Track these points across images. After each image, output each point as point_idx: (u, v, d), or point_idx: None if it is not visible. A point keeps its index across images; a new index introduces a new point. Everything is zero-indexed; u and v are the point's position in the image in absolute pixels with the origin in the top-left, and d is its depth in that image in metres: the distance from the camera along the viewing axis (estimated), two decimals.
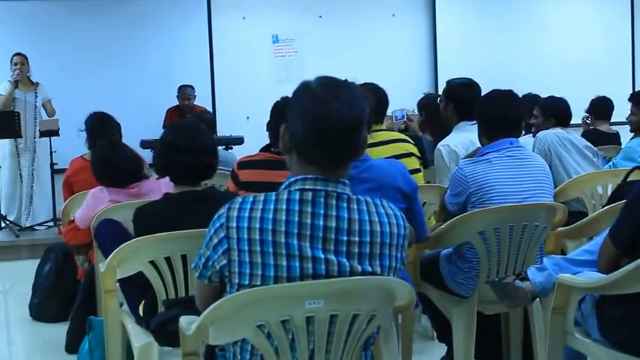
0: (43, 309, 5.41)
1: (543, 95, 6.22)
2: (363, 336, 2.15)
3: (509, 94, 3.76)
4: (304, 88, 2.14)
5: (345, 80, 2.18)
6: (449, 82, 4.82)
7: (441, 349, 4.10)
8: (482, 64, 9.67)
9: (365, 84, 4.26)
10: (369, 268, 2.10)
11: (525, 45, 10.49)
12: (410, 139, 4.54)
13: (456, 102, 4.66)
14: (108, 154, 4.48)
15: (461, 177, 3.58)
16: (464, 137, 4.56)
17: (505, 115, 3.70)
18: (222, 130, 8.79)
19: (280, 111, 3.97)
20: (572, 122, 5.69)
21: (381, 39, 10.24)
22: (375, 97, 4.14)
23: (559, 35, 10.59)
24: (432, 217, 4.35)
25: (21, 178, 8.52)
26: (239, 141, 8.37)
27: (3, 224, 8.30)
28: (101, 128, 5.44)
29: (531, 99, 6.15)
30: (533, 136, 5.56)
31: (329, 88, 2.10)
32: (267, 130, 4.12)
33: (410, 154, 4.36)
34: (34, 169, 8.55)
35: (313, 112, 2.08)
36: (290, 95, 4.05)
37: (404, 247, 2.19)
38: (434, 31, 10.50)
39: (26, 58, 8.54)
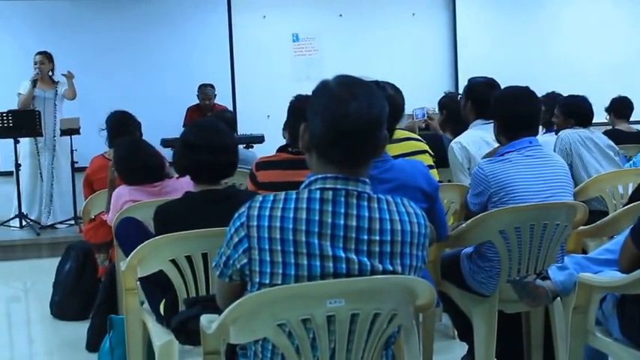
0: (63, 307, 5.44)
1: (565, 94, 6.18)
2: (384, 335, 2.14)
3: (527, 91, 3.73)
4: (323, 87, 2.14)
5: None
6: (470, 80, 4.83)
7: (462, 347, 4.09)
8: (503, 62, 9.64)
9: (379, 82, 4.25)
10: (390, 267, 2.09)
11: (546, 43, 10.43)
12: (421, 138, 4.53)
13: (475, 100, 4.67)
14: (131, 152, 4.50)
15: (482, 176, 3.57)
16: (477, 135, 4.59)
17: (525, 113, 3.68)
18: (243, 128, 8.80)
19: (295, 110, 3.98)
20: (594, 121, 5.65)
21: (401, 38, 10.22)
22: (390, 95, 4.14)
23: (581, 33, 10.50)
24: (451, 216, 4.34)
25: (41, 176, 8.58)
26: (259, 139, 8.38)
27: (24, 223, 8.35)
28: (121, 127, 5.48)
29: (552, 98, 6.12)
30: (556, 134, 5.53)
31: (348, 87, 2.10)
32: (284, 129, 4.13)
33: (423, 152, 4.35)
34: (53, 167, 8.61)
35: (332, 112, 2.07)
36: (307, 94, 4.07)
37: (425, 246, 2.18)
38: (454, 30, 10.47)
39: (48, 56, 8.59)
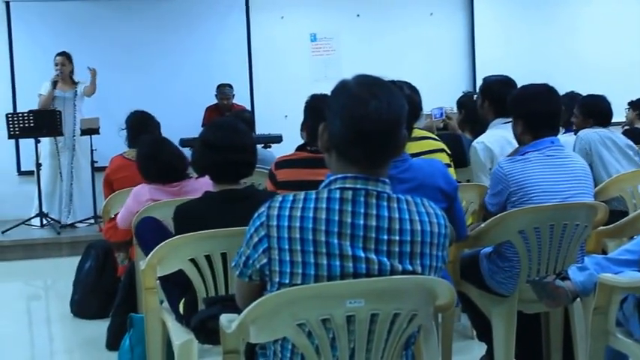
0: (83, 305, 5.47)
1: (584, 94, 6.15)
2: (403, 335, 2.14)
3: (549, 88, 3.68)
4: (342, 87, 2.13)
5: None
6: (485, 79, 4.81)
7: (481, 348, 4.08)
8: (521, 61, 9.61)
9: (397, 82, 4.25)
10: (410, 268, 2.09)
11: (565, 42, 10.38)
12: (438, 137, 4.53)
13: (492, 99, 4.64)
14: (155, 150, 4.50)
15: (501, 175, 3.55)
16: (499, 135, 4.55)
17: (548, 111, 3.64)
18: (261, 128, 8.82)
19: (311, 109, 4.00)
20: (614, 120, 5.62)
21: (418, 37, 10.21)
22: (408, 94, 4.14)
23: (599, 33, 10.46)
24: (470, 216, 4.33)
25: (61, 176, 8.63)
26: (277, 139, 8.39)
27: (44, 222, 8.40)
28: (141, 127, 5.50)
29: (571, 98, 6.09)
30: (575, 134, 5.51)
31: (367, 86, 2.09)
32: (301, 130, 4.13)
33: (441, 150, 4.35)
34: (73, 167, 8.66)
35: (351, 112, 2.07)
36: (322, 93, 4.08)
37: (445, 247, 2.18)
38: (472, 30, 10.45)
39: (68, 57, 8.64)
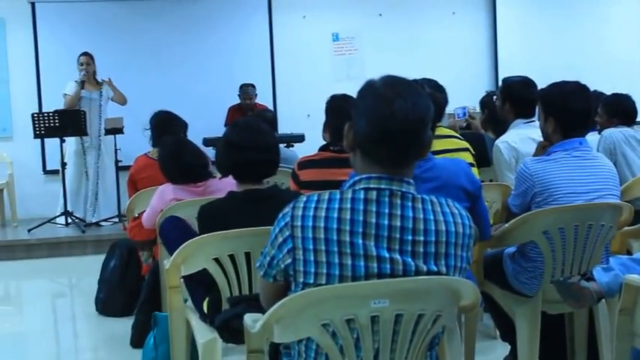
0: (108, 304, 5.51)
1: (608, 93, 6.11)
2: (428, 336, 2.14)
3: (581, 86, 3.61)
4: (368, 86, 2.14)
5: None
6: (505, 81, 4.79)
7: (504, 348, 4.07)
8: (544, 61, 9.57)
9: (424, 80, 4.26)
10: (435, 268, 2.09)
11: (587, 42, 10.31)
12: (462, 137, 4.53)
13: (513, 100, 4.63)
14: (177, 150, 4.53)
15: (526, 174, 3.52)
16: (522, 134, 4.55)
17: (582, 109, 3.57)
18: (283, 128, 8.83)
19: (331, 109, 4.02)
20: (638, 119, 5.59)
21: (441, 37, 10.18)
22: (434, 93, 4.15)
23: (622, 32, 10.39)
24: (493, 216, 4.32)
25: (87, 175, 8.69)
26: (300, 139, 8.40)
27: (69, 220, 8.47)
28: (165, 126, 5.53)
29: (595, 97, 6.06)
30: (599, 134, 5.48)
31: (393, 87, 2.10)
32: (324, 131, 4.14)
33: (465, 149, 4.35)
34: (98, 166, 8.72)
35: (376, 111, 2.08)
36: (342, 94, 4.09)
37: (469, 247, 2.17)
38: (494, 29, 10.40)
39: (92, 57, 8.71)
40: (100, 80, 8.78)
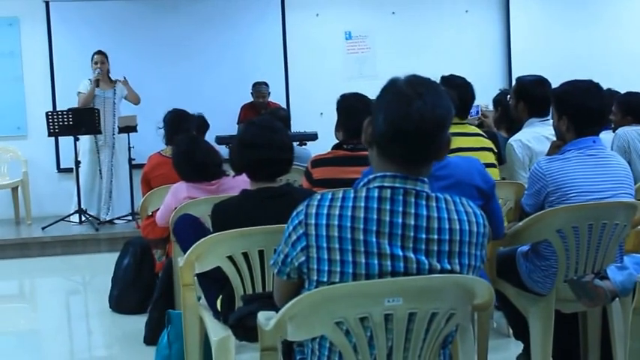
0: (122, 301, 5.53)
1: (622, 91, 6.09)
2: (441, 334, 2.14)
3: (595, 85, 3.59)
4: (391, 84, 2.13)
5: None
6: (519, 79, 4.77)
7: (517, 346, 4.06)
8: (557, 60, 9.53)
9: (450, 77, 4.27)
10: (448, 267, 2.09)
11: (601, 40, 10.26)
12: (486, 136, 4.54)
13: (527, 99, 4.62)
14: (191, 149, 4.55)
15: (540, 174, 3.50)
16: (536, 132, 4.55)
17: (597, 107, 3.54)
18: (296, 126, 8.83)
19: (342, 108, 4.05)
20: None
21: (454, 35, 10.15)
22: (460, 90, 4.17)
23: (636, 30, 10.33)
24: (506, 214, 4.31)
25: (100, 173, 8.72)
26: (313, 137, 8.41)
27: (83, 218, 8.50)
28: (178, 124, 5.55)
29: (610, 95, 6.04)
30: (613, 132, 5.47)
31: (414, 86, 2.09)
32: (336, 130, 4.15)
33: (489, 149, 4.37)
34: (112, 164, 8.74)
35: (394, 109, 2.07)
36: (352, 92, 4.10)
37: (483, 246, 2.17)
38: (508, 27, 10.36)
39: (106, 56, 8.73)
40: (113, 79, 8.81)
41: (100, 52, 8.69)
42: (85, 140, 8.66)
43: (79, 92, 8.65)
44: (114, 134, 8.67)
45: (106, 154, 8.74)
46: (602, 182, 3.45)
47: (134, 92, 8.78)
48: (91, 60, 8.67)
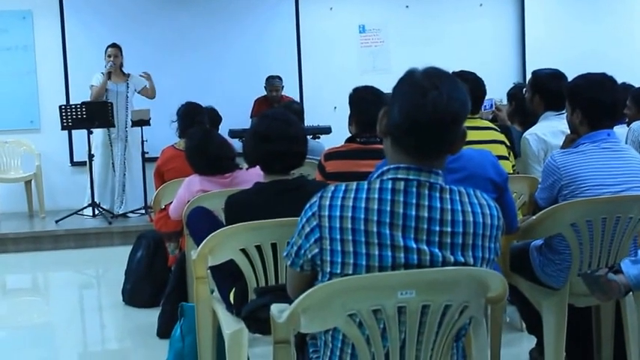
0: (135, 294, 5.54)
1: (637, 85, 6.06)
2: (454, 327, 2.13)
3: (609, 78, 3.58)
4: (408, 74, 2.12)
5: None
6: (535, 73, 4.75)
7: (530, 340, 4.05)
8: (572, 53, 9.51)
9: (461, 72, 4.26)
10: (462, 259, 2.08)
11: (616, 33, 10.22)
12: (498, 129, 4.53)
13: (543, 93, 4.60)
14: (204, 142, 4.56)
15: (553, 167, 3.49)
16: (552, 126, 4.52)
17: (610, 100, 3.53)
18: (310, 119, 8.83)
19: (354, 101, 4.05)
20: None
21: (468, 29, 10.13)
22: (472, 86, 4.16)
23: None
24: (520, 208, 4.30)
25: (113, 167, 8.74)
26: (326, 130, 8.40)
27: (96, 212, 8.53)
28: (192, 118, 5.56)
29: (624, 89, 6.01)
30: (627, 126, 5.44)
31: (431, 77, 2.08)
32: (349, 124, 4.15)
33: (500, 142, 4.35)
34: (125, 158, 8.77)
35: (409, 100, 2.07)
36: (364, 85, 4.09)
37: (497, 239, 2.16)
38: (522, 21, 10.34)
39: (120, 49, 8.75)
40: (126, 72, 8.82)
41: (113, 45, 8.71)
42: (98, 134, 8.69)
43: (92, 85, 8.67)
44: (127, 127, 8.69)
45: (118, 148, 8.76)
46: (616, 175, 3.43)
47: (154, 88, 8.79)
48: (105, 53, 8.68)
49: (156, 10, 9.64)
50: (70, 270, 7.42)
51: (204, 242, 3.19)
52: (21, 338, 5.22)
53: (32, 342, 5.11)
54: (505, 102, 6.24)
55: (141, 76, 8.78)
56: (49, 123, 9.21)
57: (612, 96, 3.55)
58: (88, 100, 8.55)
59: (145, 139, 8.56)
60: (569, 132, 3.88)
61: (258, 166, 3.39)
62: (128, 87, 8.77)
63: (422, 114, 2.04)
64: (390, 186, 2.08)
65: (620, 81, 6.22)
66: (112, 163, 8.75)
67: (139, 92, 8.84)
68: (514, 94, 5.89)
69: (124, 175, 8.76)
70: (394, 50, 9.85)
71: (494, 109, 6.26)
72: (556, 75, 4.59)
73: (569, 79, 3.91)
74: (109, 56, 8.64)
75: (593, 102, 3.53)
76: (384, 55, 9.88)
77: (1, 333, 5.46)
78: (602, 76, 3.58)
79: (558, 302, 3.49)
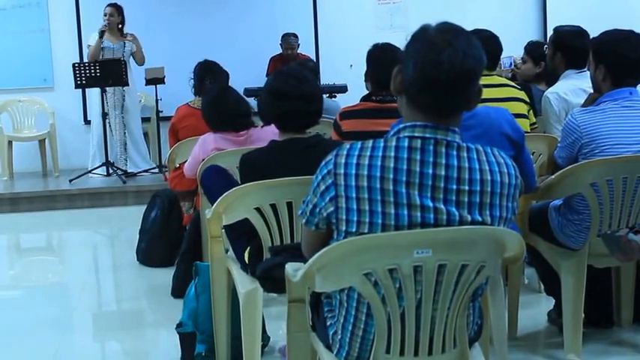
0: (149, 253, 5.54)
1: None
2: (471, 287, 2.10)
3: (635, 34, 3.49)
4: (422, 31, 2.07)
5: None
6: (556, 30, 4.67)
7: (548, 302, 4.02)
8: (595, 11, 9.34)
9: (477, 30, 4.18)
10: (479, 218, 2.05)
11: None
12: (517, 87, 4.46)
13: (565, 50, 4.53)
14: (220, 97, 4.53)
15: (574, 126, 3.42)
16: (573, 85, 4.46)
17: (636, 57, 3.44)
18: (326, 78, 8.77)
19: (373, 58, 3.99)
20: None
21: None
22: (488, 43, 4.08)
23: None
24: (539, 168, 4.25)
25: (110, 127, 8.66)
26: (342, 89, 8.32)
27: (110, 171, 8.51)
28: (207, 75, 5.52)
29: None
30: None
31: (445, 34, 2.02)
32: (365, 80, 4.10)
33: (517, 99, 4.28)
34: (123, 116, 8.70)
35: (424, 57, 2.02)
36: (384, 42, 4.03)
37: (515, 198, 2.12)
38: None
39: (118, 8, 8.64)
40: (125, 33, 8.72)
41: (111, 5, 8.61)
42: (94, 95, 8.68)
43: (88, 45, 8.62)
44: (123, 88, 8.58)
45: (116, 107, 8.68)
46: (637, 134, 3.37)
47: (141, 52, 8.70)
48: (103, 12, 8.59)
49: None
50: (84, 229, 7.44)
51: (218, 201, 3.16)
52: (35, 297, 5.23)
53: (46, 301, 5.13)
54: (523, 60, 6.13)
55: (127, 34, 8.66)
56: (62, 81, 9.20)
57: (637, 52, 3.46)
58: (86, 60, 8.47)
59: (159, 97, 8.52)
60: (590, 90, 3.81)
61: (273, 125, 3.34)
62: (125, 47, 8.66)
63: (437, 72, 1.99)
64: (406, 144, 2.04)
65: None
66: (109, 124, 8.65)
67: (132, 56, 8.73)
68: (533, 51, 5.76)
69: (124, 133, 8.71)
70: (412, 7, 9.70)
71: (514, 67, 6.18)
72: (578, 32, 4.51)
73: (592, 37, 3.84)
74: (105, 15, 8.55)
75: (618, 57, 3.45)
76: (402, 12, 9.75)
77: (16, 292, 5.49)
78: (629, 33, 3.51)
79: (577, 263, 3.44)
